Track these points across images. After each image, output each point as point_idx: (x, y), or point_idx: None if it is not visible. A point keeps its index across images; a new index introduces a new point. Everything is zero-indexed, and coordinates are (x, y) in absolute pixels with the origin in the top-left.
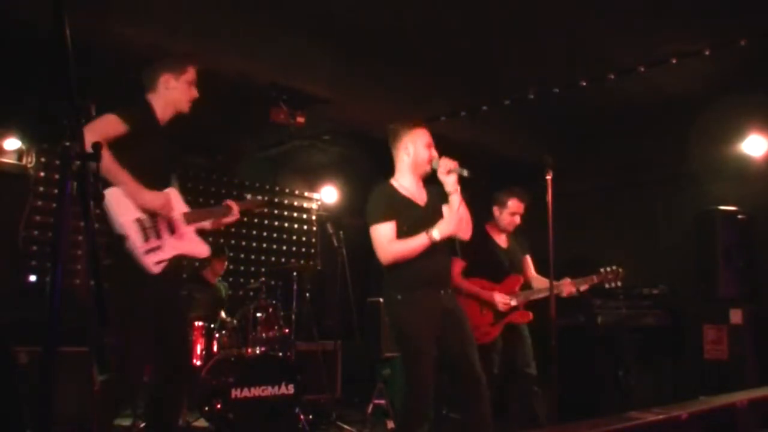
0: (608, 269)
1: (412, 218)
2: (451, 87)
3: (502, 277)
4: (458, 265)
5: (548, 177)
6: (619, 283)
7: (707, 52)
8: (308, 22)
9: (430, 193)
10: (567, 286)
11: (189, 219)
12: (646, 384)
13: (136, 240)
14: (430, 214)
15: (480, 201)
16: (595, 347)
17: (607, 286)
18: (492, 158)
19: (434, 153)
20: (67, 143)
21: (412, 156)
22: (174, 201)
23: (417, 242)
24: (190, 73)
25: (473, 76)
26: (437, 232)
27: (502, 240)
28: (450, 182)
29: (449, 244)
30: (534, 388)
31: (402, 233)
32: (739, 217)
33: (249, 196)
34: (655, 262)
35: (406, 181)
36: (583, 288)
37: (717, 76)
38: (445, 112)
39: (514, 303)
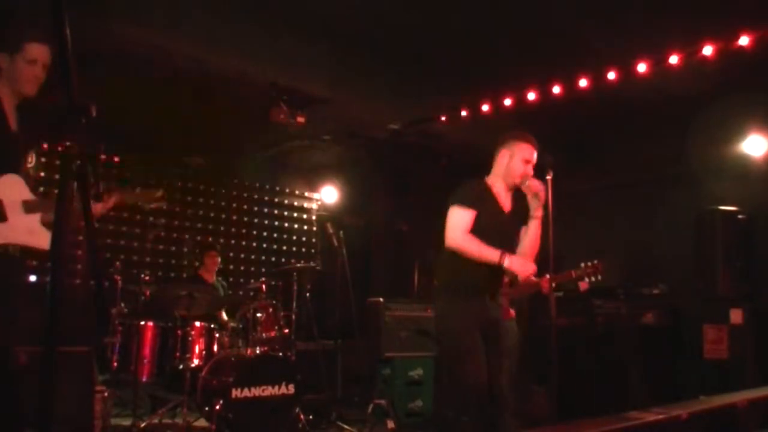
0: (588, 264)
1: (493, 219)
2: (451, 87)
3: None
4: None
5: (548, 177)
6: (599, 277)
7: (707, 52)
8: (308, 22)
9: (516, 203)
10: (545, 282)
11: (29, 207)
12: (646, 384)
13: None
14: (510, 224)
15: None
16: (595, 347)
17: (587, 278)
18: (492, 158)
19: (529, 170)
20: (67, 143)
21: (507, 165)
22: (12, 188)
23: (488, 253)
24: (29, 51)
25: (473, 76)
26: (509, 262)
27: None
28: (534, 205)
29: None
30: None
31: (479, 228)
32: (739, 217)
33: (139, 190)
34: (655, 262)
35: (497, 185)
36: (559, 281)
37: (717, 76)
38: (445, 112)
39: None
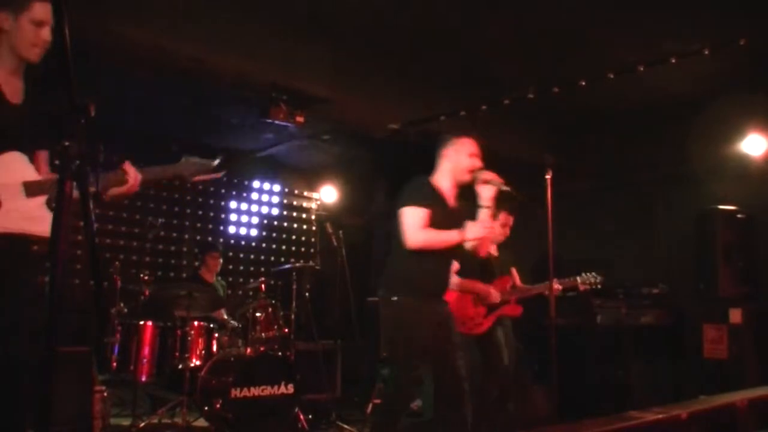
0: (591, 275)
1: (442, 217)
2: (450, 87)
3: (492, 279)
4: (453, 265)
5: (548, 176)
6: (599, 286)
7: (707, 52)
8: (308, 22)
9: (462, 204)
10: (554, 285)
11: (29, 190)
12: (646, 384)
13: None
14: (458, 220)
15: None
16: (595, 347)
17: (587, 287)
18: (492, 158)
19: (477, 163)
20: (67, 143)
21: (454, 162)
22: (12, 167)
23: (449, 236)
24: (36, 11)
25: (473, 75)
26: (469, 232)
27: (492, 249)
28: (485, 195)
29: (455, 254)
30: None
31: (431, 225)
32: (739, 216)
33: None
34: (655, 262)
35: (444, 184)
36: (563, 286)
37: (717, 75)
38: (445, 111)
39: (506, 297)
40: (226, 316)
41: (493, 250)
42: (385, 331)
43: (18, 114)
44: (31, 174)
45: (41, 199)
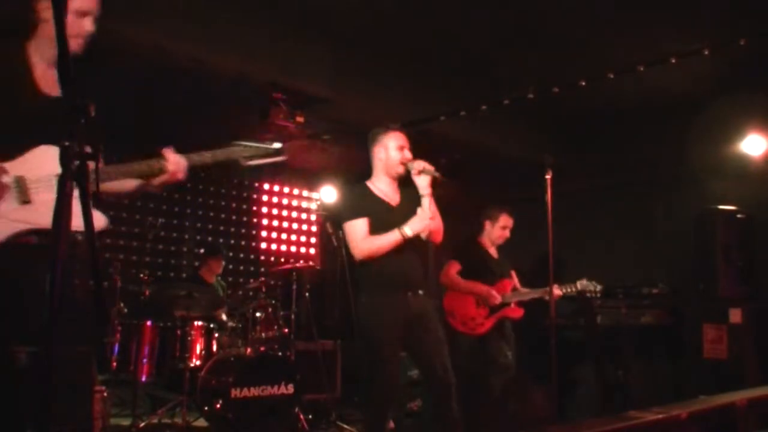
0: (591, 283)
1: (384, 218)
2: (450, 86)
3: (494, 281)
4: (454, 267)
5: (548, 176)
6: (598, 295)
7: (707, 52)
8: (308, 22)
9: (405, 197)
10: (555, 290)
11: None
12: (646, 383)
13: None
14: (402, 215)
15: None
16: (595, 347)
17: (587, 294)
18: (492, 158)
19: (407, 155)
20: (66, 143)
21: (385, 158)
22: (47, 160)
23: (389, 238)
24: (79, 1)
25: (473, 75)
26: (409, 229)
27: (492, 251)
28: (422, 184)
29: (421, 246)
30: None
31: (374, 232)
32: (739, 216)
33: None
34: (655, 262)
35: (381, 183)
36: (563, 293)
37: (717, 75)
38: (445, 111)
39: (507, 299)
40: (225, 317)
41: (493, 252)
42: (358, 333)
43: (54, 107)
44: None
45: (74, 194)
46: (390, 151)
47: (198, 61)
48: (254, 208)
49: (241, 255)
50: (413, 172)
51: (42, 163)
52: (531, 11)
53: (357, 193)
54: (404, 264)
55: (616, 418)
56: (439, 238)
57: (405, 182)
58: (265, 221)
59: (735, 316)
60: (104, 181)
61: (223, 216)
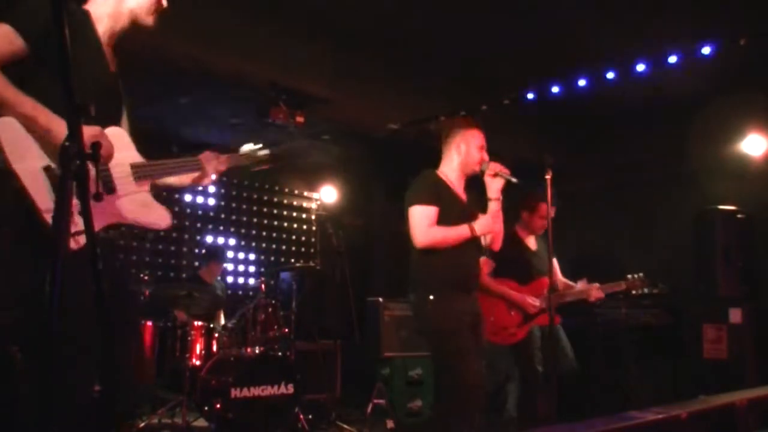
0: (635, 276)
1: (455, 211)
2: (450, 87)
3: (531, 278)
4: (487, 265)
5: (548, 177)
6: (645, 290)
7: (707, 52)
8: (308, 22)
9: (470, 197)
10: (594, 291)
11: (139, 173)
12: (646, 383)
13: (40, 199)
14: (469, 213)
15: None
16: (595, 347)
17: (634, 292)
18: (491, 158)
19: (485, 155)
20: (66, 143)
21: (464, 155)
22: (116, 145)
23: (458, 232)
24: None
25: (473, 75)
26: (478, 227)
27: (531, 242)
28: (494, 187)
29: (479, 248)
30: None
31: (442, 223)
32: (739, 216)
33: (245, 148)
34: (654, 262)
35: (452, 176)
36: (608, 291)
37: (717, 75)
38: (445, 111)
39: (543, 305)
40: (224, 320)
41: (532, 244)
42: (424, 334)
43: (116, 84)
44: (134, 155)
45: (146, 184)
46: (471, 148)
47: (197, 60)
48: (254, 207)
49: (241, 255)
50: (488, 172)
51: (116, 149)
52: (531, 11)
53: (430, 180)
54: (470, 263)
55: (616, 418)
56: (498, 245)
57: (472, 184)
58: (265, 221)
59: (735, 316)
60: (168, 175)
61: (223, 216)
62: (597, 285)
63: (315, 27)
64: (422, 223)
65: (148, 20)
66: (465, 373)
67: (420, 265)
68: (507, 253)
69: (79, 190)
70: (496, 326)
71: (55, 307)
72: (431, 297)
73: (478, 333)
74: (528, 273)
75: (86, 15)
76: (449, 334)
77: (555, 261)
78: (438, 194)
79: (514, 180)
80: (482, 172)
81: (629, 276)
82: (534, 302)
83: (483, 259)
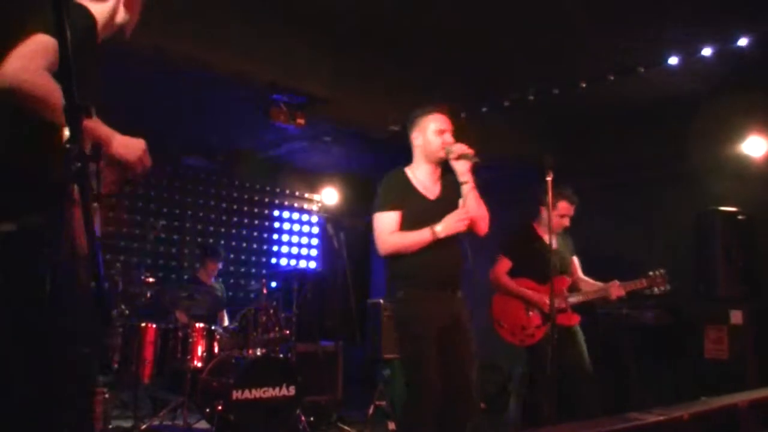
0: (656, 273)
1: (419, 212)
2: (451, 88)
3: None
4: (504, 264)
5: (548, 178)
6: (667, 287)
7: (707, 53)
8: (308, 22)
9: (447, 185)
10: (615, 289)
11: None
12: (647, 384)
13: None
14: (441, 208)
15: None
16: (595, 347)
17: (656, 291)
18: (492, 159)
19: (447, 138)
20: (68, 145)
21: (423, 144)
22: None
23: (417, 236)
24: None
25: (473, 76)
26: (441, 229)
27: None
28: (461, 170)
29: (458, 242)
30: (587, 385)
31: (406, 226)
32: (739, 217)
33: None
34: (655, 262)
35: (420, 171)
36: (629, 289)
37: (717, 76)
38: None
39: (562, 305)
40: (227, 321)
41: (552, 243)
42: (396, 331)
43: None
44: None
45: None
46: (428, 134)
47: (197, 61)
48: (255, 209)
49: (242, 256)
50: (451, 156)
51: None
52: (531, 11)
53: (392, 182)
54: (442, 262)
55: (616, 419)
56: (483, 229)
57: (449, 168)
58: (266, 222)
59: (736, 317)
60: None
61: (224, 218)
62: (617, 282)
63: (315, 27)
64: (383, 230)
65: (127, 36)
66: (418, 379)
67: (388, 268)
68: (525, 250)
69: (81, 191)
70: (514, 326)
71: (56, 309)
72: (398, 299)
73: (454, 335)
74: (547, 271)
75: (93, 20)
76: (410, 338)
77: (575, 259)
78: (400, 197)
79: (476, 160)
80: (448, 156)
81: (651, 273)
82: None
83: (500, 257)
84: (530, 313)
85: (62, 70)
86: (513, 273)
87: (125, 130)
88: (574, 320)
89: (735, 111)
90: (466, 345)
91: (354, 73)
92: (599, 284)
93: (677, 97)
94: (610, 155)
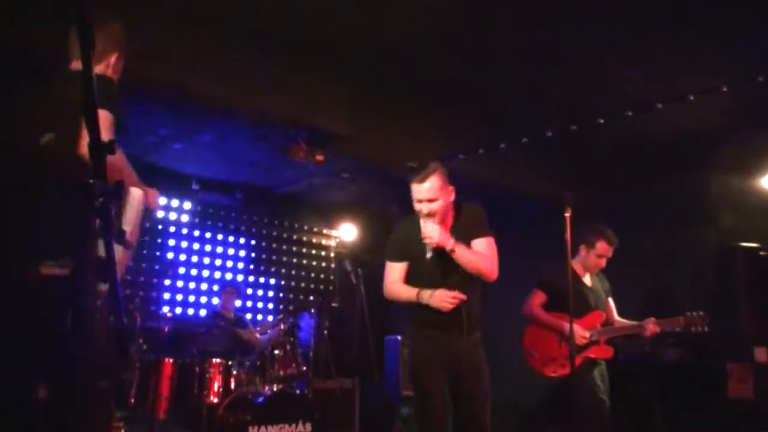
0: (696, 314)
1: (420, 267)
2: (470, 125)
3: (585, 312)
4: (538, 297)
5: (567, 214)
6: (706, 328)
7: (725, 89)
8: (327, 61)
9: (454, 233)
10: (651, 326)
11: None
12: (670, 423)
13: None
14: (434, 264)
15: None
16: (617, 385)
17: (693, 330)
18: (511, 196)
19: (425, 208)
20: (91, 180)
21: (415, 207)
22: None
23: (406, 294)
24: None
25: (492, 113)
26: (426, 298)
27: (586, 278)
28: (431, 247)
29: (474, 282)
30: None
31: (410, 274)
32: (762, 253)
33: None
34: (676, 298)
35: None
36: (665, 327)
37: (736, 111)
38: (465, 149)
39: (594, 337)
40: (259, 335)
41: (588, 280)
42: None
43: None
44: None
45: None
46: (415, 204)
47: (218, 98)
48: (273, 244)
49: (260, 292)
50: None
51: None
52: (550, 50)
53: (400, 234)
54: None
55: None
56: (489, 275)
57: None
58: (284, 258)
59: (760, 354)
60: None
61: (242, 254)
62: (653, 320)
63: (335, 66)
64: (386, 278)
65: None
66: (421, 411)
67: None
68: (560, 287)
69: (103, 227)
70: (545, 357)
71: (75, 344)
72: (409, 335)
73: (459, 372)
74: (582, 307)
75: (115, 84)
76: (414, 371)
77: (610, 300)
78: (405, 249)
79: (433, 246)
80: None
81: (688, 313)
82: (582, 332)
83: (535, 290)
84: (562, 344)
85: (87, 109)
86: (548, 306)
87: (145, 167)
88: (607, 353)
89: (754, 146)
90: (477, 383)
91: (373, 111)
92: (634, 322)
93: (696, 133)
94: (629, 192)
